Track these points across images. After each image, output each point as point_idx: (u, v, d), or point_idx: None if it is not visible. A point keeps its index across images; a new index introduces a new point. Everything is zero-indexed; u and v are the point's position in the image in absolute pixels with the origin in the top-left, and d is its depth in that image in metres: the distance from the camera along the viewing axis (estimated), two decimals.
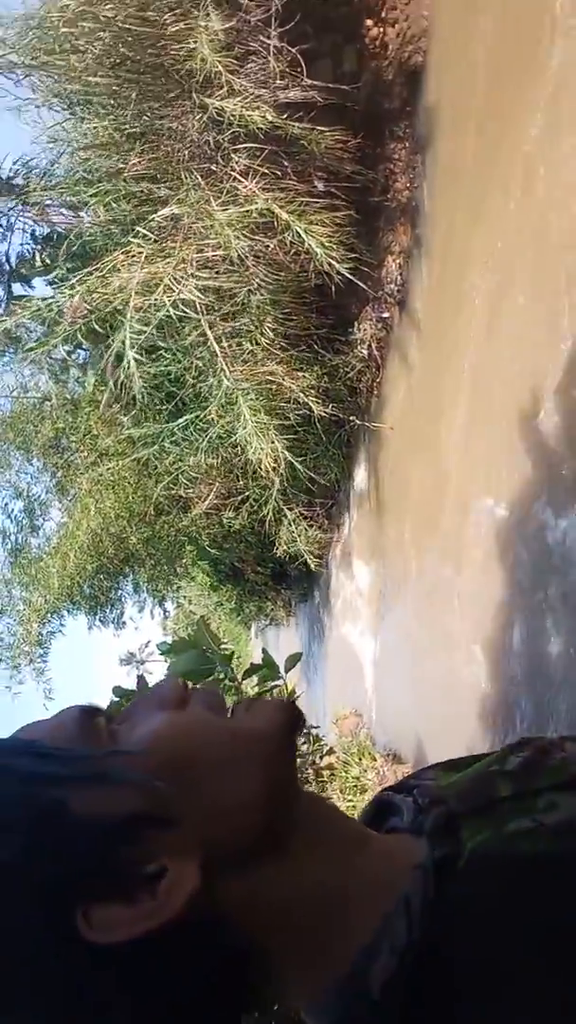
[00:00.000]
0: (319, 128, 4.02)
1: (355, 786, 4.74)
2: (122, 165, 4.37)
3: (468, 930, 0.51)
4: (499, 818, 0.57)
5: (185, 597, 12.04)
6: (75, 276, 4.83)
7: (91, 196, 4.63)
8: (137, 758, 0.52)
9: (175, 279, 4.23)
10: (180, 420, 5.98)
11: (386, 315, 4.99)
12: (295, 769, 0.57)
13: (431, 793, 0.61)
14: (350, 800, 4.67)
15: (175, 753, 0.53)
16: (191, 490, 6.78)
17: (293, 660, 3.10)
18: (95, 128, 4.44)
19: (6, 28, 4.07)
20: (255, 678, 3.02)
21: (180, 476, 6.50)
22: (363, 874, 0.55)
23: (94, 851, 0.49)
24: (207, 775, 0.53)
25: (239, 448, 5.31)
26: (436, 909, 0.51)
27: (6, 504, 9.09)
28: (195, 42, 3.57)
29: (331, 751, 4.42)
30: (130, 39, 3.89)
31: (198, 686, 0.59)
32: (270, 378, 4.88)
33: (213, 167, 4.14)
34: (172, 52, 3.84)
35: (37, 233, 5.84)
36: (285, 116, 3.88)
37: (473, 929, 0.51)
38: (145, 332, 4.40)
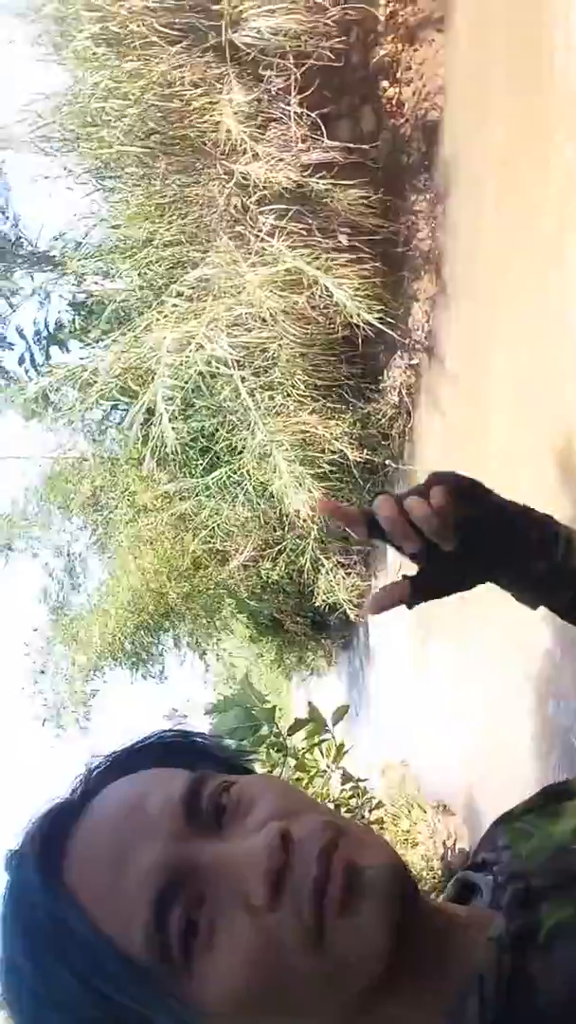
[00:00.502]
0: (341, 184, 4.15)
1: (406, 840, 4.63)
2: (152, 233, 4.54)
3: (545, 1006, 0.49)
4: None
5: (225, 650, 12.00)
6: (109, 337, 5.00)
7: (123, 263, 4.81)
8: (208, 1022, 0.51)
9: (207, 337, 4.34)
10: (215, 473, 6.07)
11: (415, 361, 5.05)
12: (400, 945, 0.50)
13: (510, 870, 0.59)
14: (402, 855, 4.56)
15: (248, 1006, 0.50)
16: (228, 543, 6.83)
17: (340, 713, 3.07)
18: (126, 199, 4.63)
19: (42, 103, 4.31)
20: (302, 732, 2.99)
21: (217, 529, 6.56)
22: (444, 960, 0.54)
23: None
24: (285, 1016, 0.52)
25: (275, 499, 5.36)
26: (512, 984, 0.50)
27: (47, 563, 9.24)
28: (219, 114, 3.73)
29: (380, 804, 4.33)
30: (158, 114, 4.08)
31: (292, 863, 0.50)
32: (303, 428, 4.94)
33: (241, 229, 4.28)
34: (197, 124, 4.01)
35: (73, 300, 6.05)
36: (308, 175, 4.01)
37: (551, 1006, 0.49)
38: (178, 388, 4.52)
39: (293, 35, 3.69)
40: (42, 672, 9.43)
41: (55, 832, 0.56)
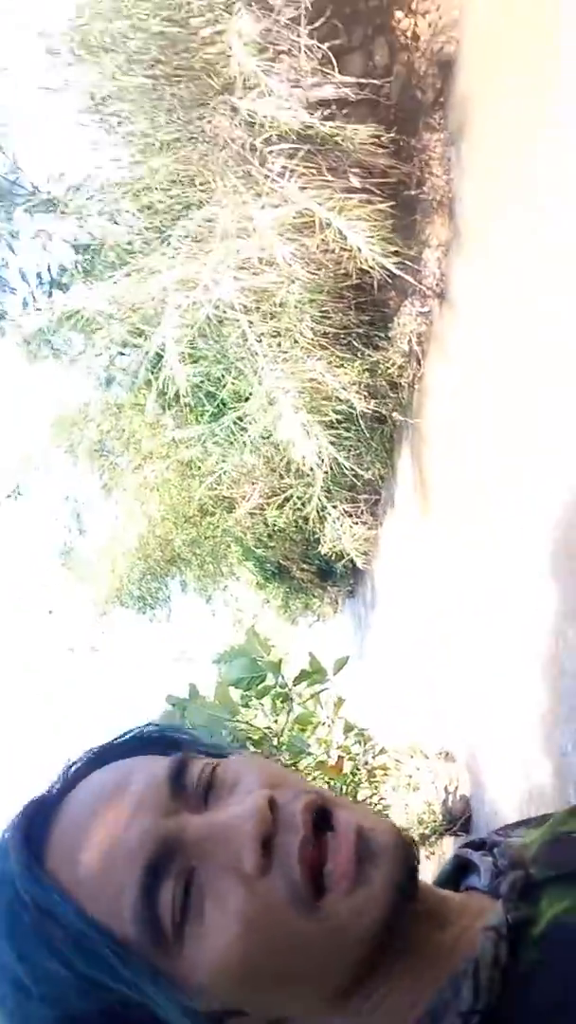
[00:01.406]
0: (352, 125, 3.99)
1: (408, 785, 4.72)
2: (156, 171, 4.39)
3: (538, 999, 0.49)
4: None
5: (232, 596, 12.11)
6: (112, 279, 4.89)
7: (127, 202, 4.67)
8: (204, 997, 0.50)
9: (213, 280, 4.24)
10: (221, 420, 6.02)
11: (426, 308, 4.94)
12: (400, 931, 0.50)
13: (511, 855, 0.58)
14: (404, 799, 4.65)
15: (243, 979, 0.50)
16: (235, 490, 6.82)
17: (340, 664, 3.09)
18: (129, 134, 4.48)
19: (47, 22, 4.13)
20: (306, 683, 3.03)
21: (223, 476, 6.54)
22: (436, 943, 0.53)
23: None
24: (284, 981, 0.51)
25: (281, 446, 5.32)
26: (507, 975, 0.50)
27: (53, 507, 9.27)
28: (227, 45, 3.57)
29: (383, 750, 4.40)
30: (163, 42, 3.91)
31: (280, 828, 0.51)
32: (311, 376, 4.87)
33: (249, 168, 4.14)
34: (204, 55, 3.84)
35: (76, 242, 5.91)
36: (318, 114, 3.86)
37: (543, 999, 0.49)
38: (186, 331, 4.43)
39: None
40: (51, 612, 9.56)
41: (36, 821, 0.55)
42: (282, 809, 0.51)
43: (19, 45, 4.31)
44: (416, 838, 4.61)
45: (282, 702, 3.03)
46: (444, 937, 0.53)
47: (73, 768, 0.59)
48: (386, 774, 4.39)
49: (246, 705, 3.34)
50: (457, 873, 0.63)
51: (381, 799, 4.26)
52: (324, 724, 3.57)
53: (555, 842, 0.59)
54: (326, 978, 0.50)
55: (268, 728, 3.30)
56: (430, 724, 5.49)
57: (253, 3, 3.78)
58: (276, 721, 3.25)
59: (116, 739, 0.62)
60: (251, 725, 3.27)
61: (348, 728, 3.73)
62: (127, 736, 0.62)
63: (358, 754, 3.99)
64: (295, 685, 2.96)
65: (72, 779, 0.58)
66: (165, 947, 0.49)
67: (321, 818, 0.51)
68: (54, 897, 0.50)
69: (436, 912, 0.55)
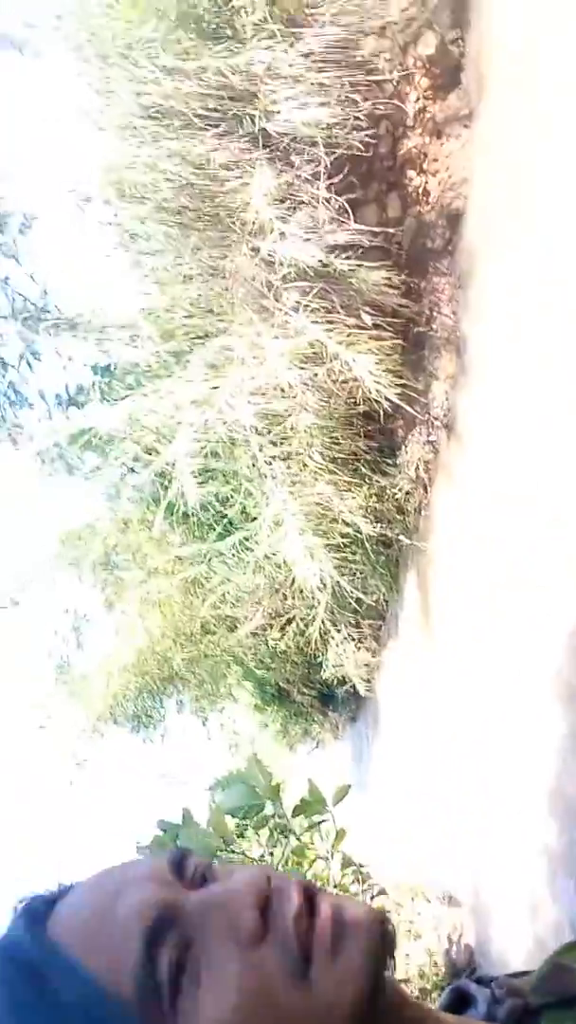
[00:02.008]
0: (366, 265, 4.26)
1: (408, 931, 4.43)
2: (178, 302, 4.66)
3: None
4: None
5: (230, 718, 11.81)
6: (130, 398, 5.07)
7: (149, 329, 4.92)
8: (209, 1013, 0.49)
9: (228, 404, 4.41)
10: (228, 540, 6.08)
11: (434, 438, 5.08)
12: (383, 1003, 0.51)
13: (508, 984, 0.59)
14: (404, 947, 4.36)
15: None
16: (237, 609, 6.79)
17: (340, 794, 2.97)
18: (155, 268, 4.77)
19: (82, 169, 4.49)
20: (305, 814, 2.90)
21: (227, 595, 6.53)
22: None
23: None
24: None
25: (286, 568, 5.34)
26: None
27: (53, 621, 9.20)
28: (249, 196, 3.86)
29: (383, 891, 4.17)
30: (192, 191, 4.23)
31: (275, 884, 0.53)
32: (318, 499, 4.96)
33: (265, 303, 4.38)
34: (228, 203, 4.16)
35: (96, 365, 6.18)
36: (333, 256, 4.12)
37: None
38: (198, 452, 4.56)
39: (324, 126, 3.84)
40: (42, 727, 9.31)
41: (40, 900, 0.57)
42: (276, 882, 0.53)
43: (53, 190, 4.67)
44: (417, 993, 4.29)
45: (280, 833, 2.90)
46: None
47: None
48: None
49: (241, 835, 3.20)
50: (455, 1006, 0.63)
51: None
52: (322, 858, 3.40)
53: (553, 972, 0.60)
54: None
55: (263, 860, 3.14)
56: (432, 862, 5.22)
57: (276, 160, 4.12)
58: (272, 853, 3.10)
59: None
60: (246, 856, 3.12)
61: (346, 863, 3.54)
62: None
63: (356, 894, 3.77)
64: (294, 816, 2.84)
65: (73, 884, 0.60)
66: (162, 1011, 0.50)
67: (308, 899, 0.53)
68: (54, 955, 0.51)
69: None
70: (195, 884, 0.55)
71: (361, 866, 3.75)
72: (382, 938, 0.52)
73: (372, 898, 3.95)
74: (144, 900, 0.52)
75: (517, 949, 3.47)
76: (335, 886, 3.63)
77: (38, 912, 0.54)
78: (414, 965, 4.19)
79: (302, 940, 0.50)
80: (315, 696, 8.77)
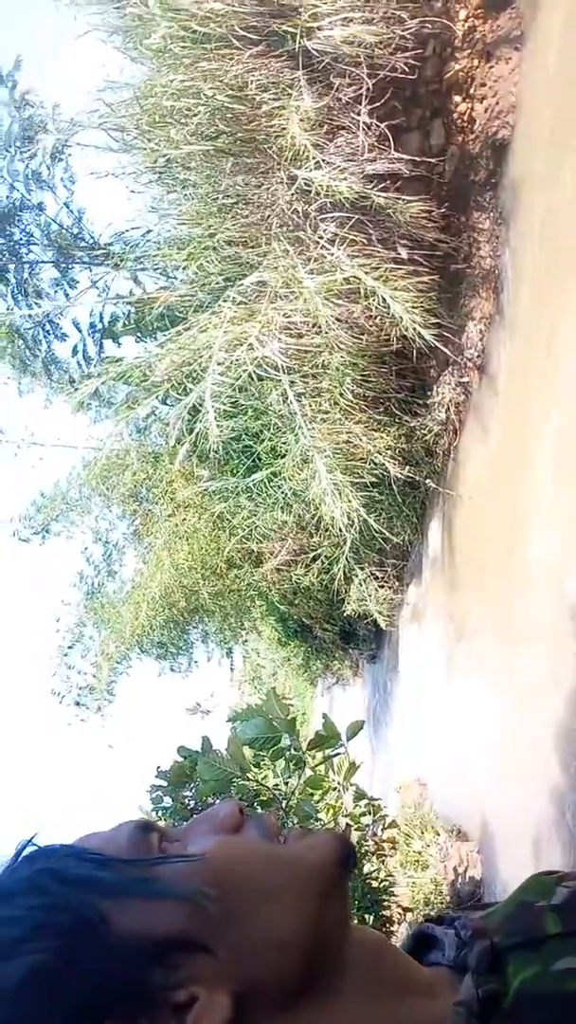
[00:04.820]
0: (405, 198, 4.11)
1: (416, 861, 4.57)
2: (212, 232, 4.55)
3: None
4: (548, 955, 0.54)
5: (253, 650, 12.02)
6: (164, 335, 5.03)
7: (182, 261, 4.83)
8: (187, 869, 0.52)
9: (259, 340, 4.34)
10: (256, 475, 6.08)
11: (466, 379, 4.99)
12: (346, 908, 0.55)
13: (474, 925, 0.59)
14: (411, 876, 4.50)
15: (223, 877, 0.52)
16: (263, 545, 6.84)
17: (354, 729, 3.02)
18: (189, 197, 4.66)
19: (115, 93, 4.35)
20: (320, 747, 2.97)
21: (253, 531, 6.57)
22: (407, 1016, 0.53)
23: (127, 970, 0.47)
24: (252, 905, 0.51)
25: (313, 505, 5.34)
26: None
27: (85, 548, 9.36)
28: (287, 120, 3.72)
29: (393, 823, 4.28)
30: (228, 116, 4.09)
31: (255, 811, 0.59)
32: (347, 437, 4.92)
33: (301, 235, 4.27)
34: (265, 128, 4.01)
35: (130, 295, 6.12)
36: (372, 186, 3.98)
37: None
38: (226, 387, 4.52)
39: (368, 45, 3.66)
40: (71, 647, 9.53)
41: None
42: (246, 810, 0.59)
43: (86, 116, 4.52)
44: (421, 920, 4.44)
45: (295, 765, 2.97)
46: (413, 1010, 0.53)
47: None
48: (394, 848, 4.26)
49: (257, 765, 3.28)
50: (417, 950, 0.63)
51: (388, 875, 4.12)
52: (335, 790, 3.49)
53: (517, 911, 0.60)
54: (295, 912, 0.51)
55: (278, 789, 3.24)
56: (444, 798, 5.34)
57: (316, 82, 3.95)
58: (287, 783, 3.19)
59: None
60: (261, 784, 3.21)
61: (359, 796, 3.64)
62: None
63: (367, 825, 3.88)
64: (309, 749, 2.91)
65: None
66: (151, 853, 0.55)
67: None
68: (55, 846, 0.56)
69: (405, 982, 0.55)
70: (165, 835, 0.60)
71: (373, 799, 3.86)
72: (347, 841, 0.57)
73: (383, 829, 4.07)
74: (128, 823, 0.57)
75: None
76: (347, 815, 3.74)
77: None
78: (420, 893, 4.33)
79: (276, 827, 0.57)
80: (336, 632, 8.88)
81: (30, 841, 0.55)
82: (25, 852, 0.55)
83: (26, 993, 0.46)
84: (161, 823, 0.64)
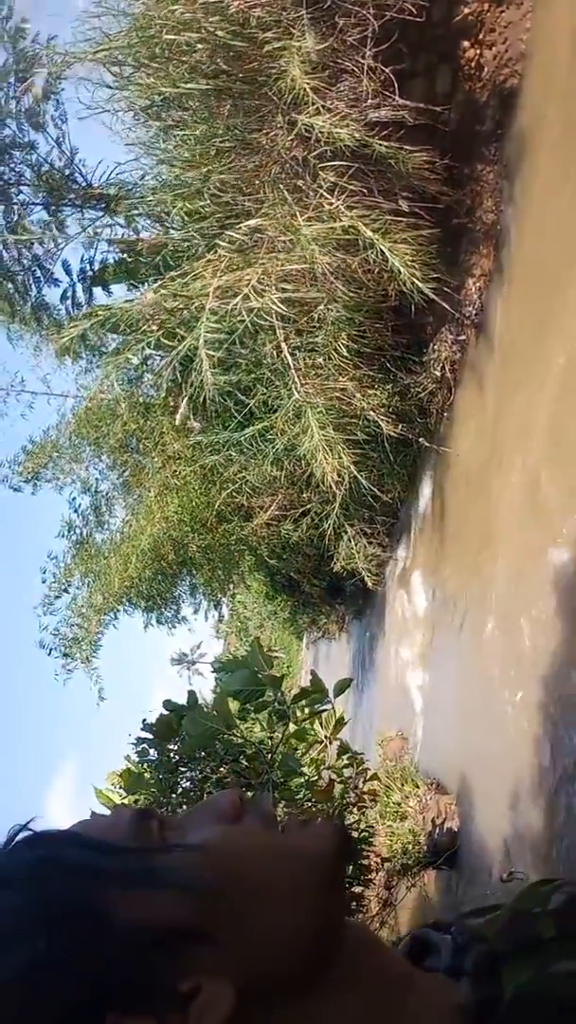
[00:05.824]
0: (407, 147, 4.00)
1: (396, 812, 4.66)
2: (208, 177, 4.42)
3: None
4: (543, 959, 0.55)
5: (240, 603, 12.10)
6: (156, 281, 4.92)
7: (177, 205, 4.71)
8: (189, 858, 0.51)
9: (255, 289, 4.26)
10: (248, 430, 6.03)
11: (463, 337, 4.93)
12: (344, 900, 0.56)
13: (470, 931, 0.59)
14: (390, 826, 4.59)
15: (225, 868, 0.51)
16: (253, 500, 6.82)
17: (342, 686, 3.06)
18: (185, 137, 4.51)
19: (113, 21, 4.18)
20: (305, 701, 3.00)
21: (244, 485, 6.54)
22: (404, 1017, 0.53)
23: (130, 960, 0.47)
24: (255, 897, 0.51)
25: (304, 461, 5.31)
26: None
27: (74, 497, 9.31)
28: (289, 61, 3.59)
29: (375, 776, 4.35)
30: (229, 54, 3.95)
31: (253, 800, 0.58)
32: (340, 394, 4.87)
33: (300, 183, 4.16)
34: (266, 69, 3.88)
35: (122, 240, 5.97)
36: (374, 134, 3.87)
37: None
38: (220, 336, 4.44)
39: None
40: (58, 597, 9.52)
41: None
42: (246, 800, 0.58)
43: (80, 51, 4.35)
44: (398, 868, 4.55)
45: (279, 719, 3.01)
46: (407, 1014, 0.54)
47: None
48: (375, 799, 4.34)
49: (243, 719, 3.32)
50: (415, 955, 0.63)
51: (368, 826, 4.20)
52: (320, 743, 3.54)
53: (514, 919, 0.61)
54: (299, 904, 0.51)
55: (262, 743, 3.27)
56: (425, 752, 5.44)
57: (320, 21, 3.81)
58: (272, 736, 3.23)
59: None
60: (245, 739, 3.25)
61: (343, 750, 3.69)
62: None
63: (349, 777, 3.95)
64: (294, 703, 2.94)
65: None
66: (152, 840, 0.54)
67: None
68: (54, 831, 0.55)
69: (400, 985, 0.55)
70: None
71: (357, 753, 3.92)
72: (345, 832, 0.57)
73: (364, 782, 4.14)
74: (127, 809, 0.56)
75: (496, 838, 3.65)
76: (330, 768, 3.80)
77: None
78: (398, 842, 4.43)
79: (275, 816, 0.56)
80: (324, 588, 8.93)
81: (24, 826, 0.54)
82: (19, 836, 0.54)
83: (27, 984, 0.46)
84: (158, 810, 0.63)
